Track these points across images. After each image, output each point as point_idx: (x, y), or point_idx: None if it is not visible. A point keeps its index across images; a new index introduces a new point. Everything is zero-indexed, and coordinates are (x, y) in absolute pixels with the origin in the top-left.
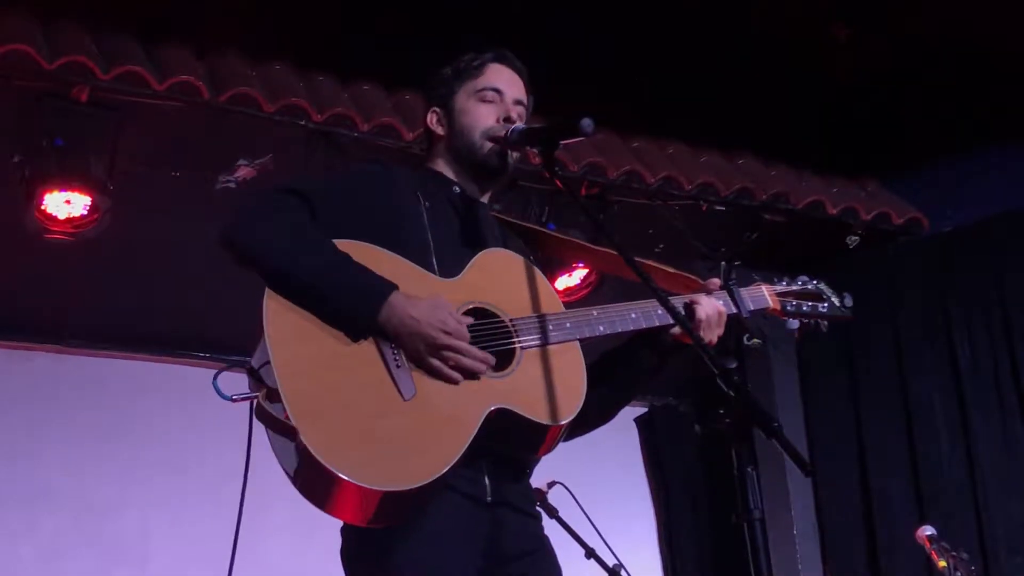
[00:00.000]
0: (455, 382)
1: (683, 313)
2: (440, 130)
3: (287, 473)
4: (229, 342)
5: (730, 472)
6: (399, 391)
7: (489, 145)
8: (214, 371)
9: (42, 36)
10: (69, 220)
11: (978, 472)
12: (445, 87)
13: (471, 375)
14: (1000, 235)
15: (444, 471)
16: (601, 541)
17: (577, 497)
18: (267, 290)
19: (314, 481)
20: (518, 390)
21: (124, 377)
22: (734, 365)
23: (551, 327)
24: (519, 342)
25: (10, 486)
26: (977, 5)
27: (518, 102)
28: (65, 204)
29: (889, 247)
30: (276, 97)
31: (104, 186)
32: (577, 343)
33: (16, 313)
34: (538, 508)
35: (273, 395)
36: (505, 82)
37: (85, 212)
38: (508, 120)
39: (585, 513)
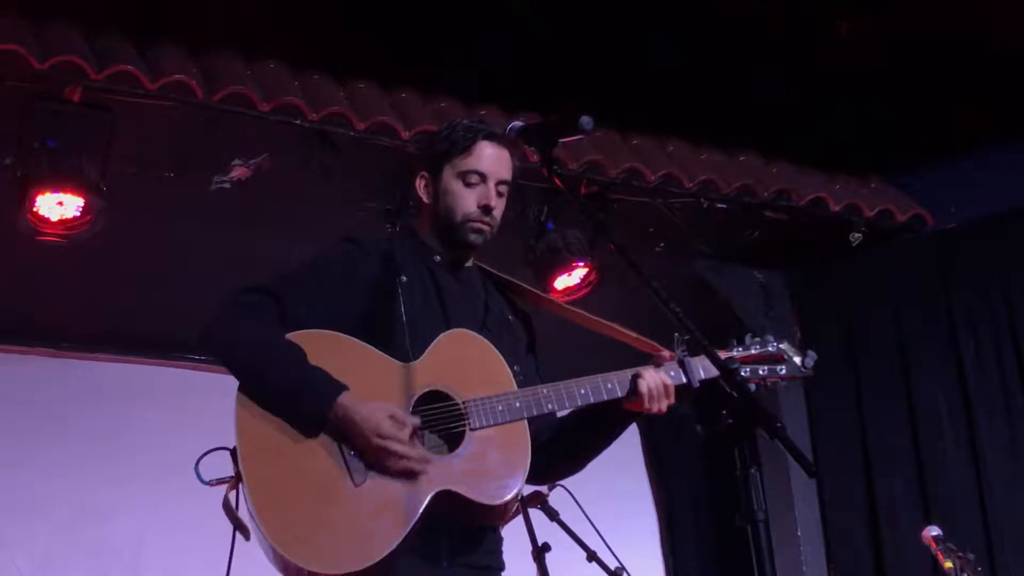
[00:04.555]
0: (400, 476)
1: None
2: (426, 198)
3: (265, 553)
4: None
5: (733, 473)
6: (351, 478)
7: (468, 226)
8: (211, 374)
9: (33, 36)
10: (62, 222)
11: (984, 471)
12: (435, 158)
13: (409, 470)
14: (1004, 232)
15: (386, 554)
16: (603, 543)
17: (578, 499)
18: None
19: (281, 562)
20: (464, 472)
21: (120, 381)
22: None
23: (500, 407)
24: (469, 424)
25: (4, 493)
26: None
27: (502, 182)
28: (58, 206)
29: (892, 244)
30: (271, 96)
31: (97, 187)
32: (524, 420)
33: (10, 316)
34: (502, 558)
35: (240, 478)
36: (490, 162)
37: (78, 214)
38: (487, 209)
39: (586, 515)
